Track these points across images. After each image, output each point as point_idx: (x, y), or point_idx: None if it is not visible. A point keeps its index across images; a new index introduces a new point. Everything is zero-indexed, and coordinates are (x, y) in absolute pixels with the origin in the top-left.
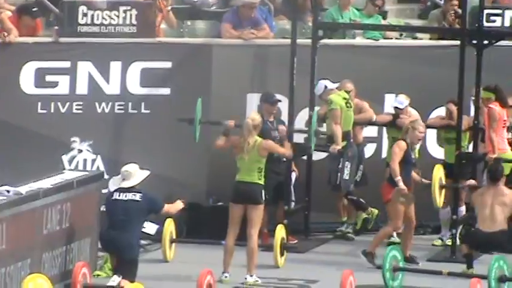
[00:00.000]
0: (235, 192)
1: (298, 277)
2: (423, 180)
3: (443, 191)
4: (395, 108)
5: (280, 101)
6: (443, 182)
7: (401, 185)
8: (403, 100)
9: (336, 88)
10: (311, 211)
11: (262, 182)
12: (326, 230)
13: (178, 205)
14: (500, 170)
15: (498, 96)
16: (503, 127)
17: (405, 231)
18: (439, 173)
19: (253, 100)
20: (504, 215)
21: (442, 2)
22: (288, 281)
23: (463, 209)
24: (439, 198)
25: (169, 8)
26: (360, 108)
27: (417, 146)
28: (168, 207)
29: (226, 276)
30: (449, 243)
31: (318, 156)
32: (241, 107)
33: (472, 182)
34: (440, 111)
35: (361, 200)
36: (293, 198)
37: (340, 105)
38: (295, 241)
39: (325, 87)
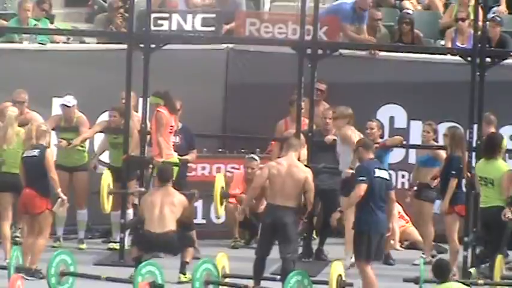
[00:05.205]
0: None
1: None
2: None
3: (111, 196)
4: (64, 105)
5: None
6: (112, 188)
7: (62, 195)
8: (70, 99)
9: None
10: None
11: None
12: None
13: None
14: (169, 171)
15: (167, 102)
16: (170, 132)
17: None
18: (107, 179)
19: None
20: (174, 215)
21: (107, 6)
22: None
23: (130, 211)
24: (107, 203)
25: None
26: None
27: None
28: None
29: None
30: (118, 247)
31: None
32: None
33: (140, 189)
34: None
35: None
36: None
37: None
38: None
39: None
